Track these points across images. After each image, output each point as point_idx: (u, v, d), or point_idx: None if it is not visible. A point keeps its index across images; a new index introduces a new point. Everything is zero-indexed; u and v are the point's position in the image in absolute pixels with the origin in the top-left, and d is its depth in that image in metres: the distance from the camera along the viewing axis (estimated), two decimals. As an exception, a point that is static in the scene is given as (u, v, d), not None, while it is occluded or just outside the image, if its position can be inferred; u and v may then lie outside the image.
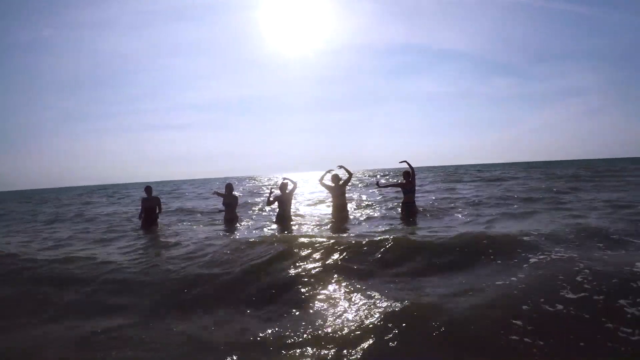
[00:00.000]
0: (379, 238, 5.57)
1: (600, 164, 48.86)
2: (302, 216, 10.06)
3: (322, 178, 8.78)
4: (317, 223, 8.72)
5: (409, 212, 8.83)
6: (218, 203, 10.71)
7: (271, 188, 9.52)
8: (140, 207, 8.89)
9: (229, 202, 8.95)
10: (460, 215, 8.98)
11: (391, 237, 5.57)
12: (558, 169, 35.30)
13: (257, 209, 12.38)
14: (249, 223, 9.34)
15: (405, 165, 8.73)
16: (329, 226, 8.22)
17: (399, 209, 9.33)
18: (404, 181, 8.84)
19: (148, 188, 8.75)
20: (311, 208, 12.31)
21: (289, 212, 8.66)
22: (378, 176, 26.59)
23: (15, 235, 9.91)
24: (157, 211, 8.91)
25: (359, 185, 22.07)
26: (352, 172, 8.69)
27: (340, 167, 8.64)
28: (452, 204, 10.91)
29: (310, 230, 7.77)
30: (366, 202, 12.52)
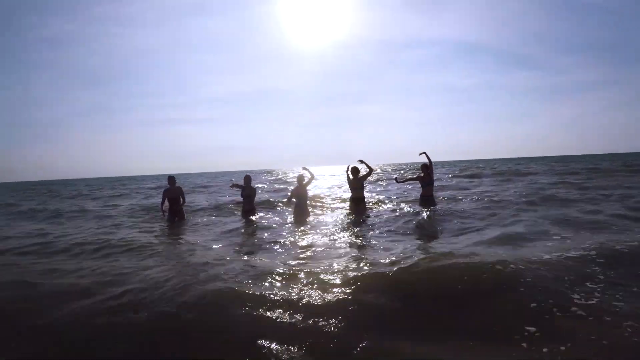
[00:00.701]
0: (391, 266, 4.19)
1: (628, 158, 47.14)
2: (321, 207, 10.03)
3: (347, 170, 8.77)
4: (334, 218, 8.70)
5: (428, 204, 8.86)
6: (236, 195, 10.85)
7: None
8: (162, 197, 9.03)
9: (248, 193, 9.00)
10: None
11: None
12: (591, 162, 34.19)
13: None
14: (268, 215, 9.49)
15: (424, 158, 8.73)
16: (345, 222, 8.06)
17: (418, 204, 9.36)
18: (422, 174, 8.87)
19: (171, 178, 8.88)
20: (330, 200, 12.32)
21: (306, 204, 8.65)
22: (397, 174, 26.25)
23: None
24: (181, 202, 9.05)
25: (380, 182, 21.72)
26: (373, 167, 8.75)
27: (361, 162, 8.61)
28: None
29: (325, 226, 7.69)
30: (384, 198, 12.38)
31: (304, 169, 8.77)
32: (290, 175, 42.77)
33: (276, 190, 18.62)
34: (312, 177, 8.64)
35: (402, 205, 10.04)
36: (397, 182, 9.92)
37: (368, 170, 8.68)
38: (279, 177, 39.32)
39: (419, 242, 5.79)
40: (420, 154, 8.77)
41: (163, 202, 9.00)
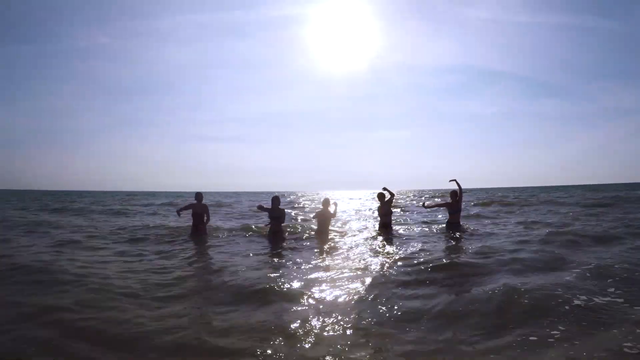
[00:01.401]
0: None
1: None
2: (341, 233, 9.99)
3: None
4: (356, 242, 8.64)
5: (454, 231, 8.90)
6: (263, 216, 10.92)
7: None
8: (185, 206, 9.32)
9: (277, 215, 8.88)
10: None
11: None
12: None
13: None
14: (293, 237, 9.42)
15: (453, 185, 8.77)
16: (368, 247, 7.96)
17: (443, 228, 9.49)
18: (451, 201, 8.91)
19: (199, 194, 9.10)
20: (356, 224, 12.29)
21: (328, 228, 8.99)
22: (423, 198, 25.92)
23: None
24: (205, 219, 9.23)
25: (405, 210, 21.43)
26: (393, 192, 9.19)
27: (384, 189, 9.07)
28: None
29: (345, 250, 7.67)
30: (411, 224, 12.26)
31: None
32: (316, 198, 42.90)
33: (300, 212, 18.73)
34: (336, 207, 9.03)
35: (427, 229, 9.94)
36: (425, 207, 10.02)
37: (390, 195, 9.07)
38: (302, 198, 39.53)
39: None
40: (450, 181, 8.89)
41: (184, 209, 9.26)
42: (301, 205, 25.30)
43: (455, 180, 8.82)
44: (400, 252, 6.95)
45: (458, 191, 8.87)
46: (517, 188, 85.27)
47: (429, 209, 11.24)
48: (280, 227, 9.07)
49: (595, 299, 4.00)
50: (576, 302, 3.87)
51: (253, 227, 10.84)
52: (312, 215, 9.05)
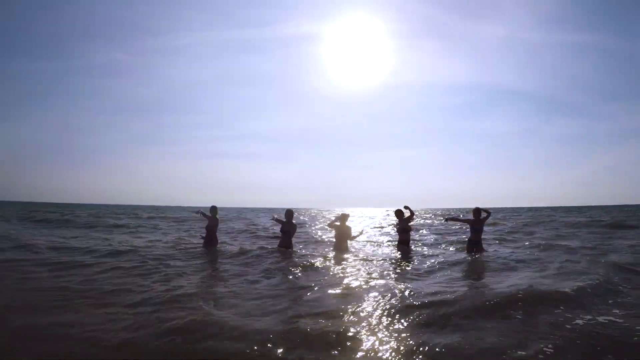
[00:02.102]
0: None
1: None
2: (360, 249, 9.64)
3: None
4: (375, 259, 8.25)
5: (476, 250, 8.55)
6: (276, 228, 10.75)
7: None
8: (206, 214, 9.19)
9: (288, 229, 8.75)
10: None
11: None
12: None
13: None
14: (303, 251, 9.12)
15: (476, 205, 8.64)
16: (385, 265, 7.60)
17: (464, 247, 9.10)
18: (474, 218, 8.43)
19: (214, 208, 9.22)
20: (372, 241, 11.88)
21: (346, 243, 8.75)
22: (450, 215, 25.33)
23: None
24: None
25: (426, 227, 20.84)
26: (413, 211, 9.00)
27: (406, 207, 8.87)
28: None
29: (364, 267, 7.32)
30: (429, 239, 11.76)
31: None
32: (328, 215, 42.45)
33: (317, 229, 18.42)
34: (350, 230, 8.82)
35: (448, 249, 9.51)
36: (446, 220, 9.79)
37: (410, 213, 8.94)
38: (317, 215, 39.23)
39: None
40: (405, 208, 8.92)
41: (203, 214, 9.16)
42: (316, 224, 24.92)
43: (408, 207, 8.87)
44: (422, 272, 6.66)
45: (482, 210, 8.52)
46: (531, 208, 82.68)
47: (449, 222, 10.84)
48: (290, 241, 8.91)
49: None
50: None
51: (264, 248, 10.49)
52: (329, 225, 9.10)
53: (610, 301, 4.55)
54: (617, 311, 4.09)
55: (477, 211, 8.53)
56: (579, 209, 57.53)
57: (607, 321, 3.75)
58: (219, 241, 9.78)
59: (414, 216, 9.18)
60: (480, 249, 8.61)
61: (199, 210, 9.34)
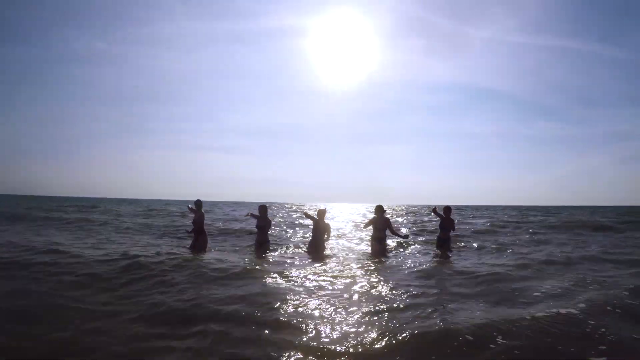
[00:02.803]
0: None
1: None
2: (339, 245, 9.63)
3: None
4: (351, 256, 8.25)
5: (443, 248, 8.81)
6: (252, 224, 10.58)
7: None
8: (191, 211, 9.02)
9: (262, 224, 8.76)
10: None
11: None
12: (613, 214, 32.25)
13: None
14: (282, 248, 9.20)
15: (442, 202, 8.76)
16: (362, 262, 7.62)
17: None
18: (444, 216, 8.69)
19: (198, 202, 8.90)
20: (349, 237, 11.90)
21: (322, 240, 8.38)
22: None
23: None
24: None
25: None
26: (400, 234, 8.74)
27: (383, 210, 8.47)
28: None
29: (338, 264, 7.29)
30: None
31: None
32: (311, 209, 42.49)
33: (293, 224, 18.31)
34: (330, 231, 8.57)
35: (420, 248, 9.60)
36: (432, 211, 9.47)
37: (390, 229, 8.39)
38: (298, 210, 39.13)
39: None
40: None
41: (190, 209, 8.99)
42: (294, 217, 24.83)
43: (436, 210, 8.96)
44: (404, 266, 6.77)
45: (450, 209, 8.84)
46: (507, 206, 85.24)
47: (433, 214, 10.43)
48: (266, 236, 8.97)
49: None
50: None
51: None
52: (305, 214, 8.94)
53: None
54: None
55: (447, 210, 8.66)
56: (547, 209, 59.64)
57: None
58: (208, 242, 9.14)
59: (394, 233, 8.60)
60: (448, 248, 8.86)
61: (190, 206, 9.05)
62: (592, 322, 3.71)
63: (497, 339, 3.29)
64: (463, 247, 10.27)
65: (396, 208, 54.35)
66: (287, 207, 49.80)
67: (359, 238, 11.81)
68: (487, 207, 69.96)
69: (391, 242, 9.95)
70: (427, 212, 31.35)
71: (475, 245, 10.39)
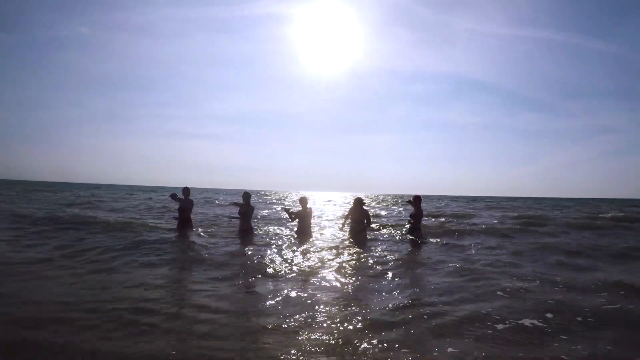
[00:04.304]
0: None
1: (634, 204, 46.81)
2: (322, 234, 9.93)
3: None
4: (332, 241, 8.60)
5: (415, 235, 9.09)
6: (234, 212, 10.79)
7: (284, 208, 9.58)
8: (176, 200, 9.06)
9: (245, 211, 8.87)
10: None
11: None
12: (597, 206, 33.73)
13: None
14: (266, 235, 9.42)
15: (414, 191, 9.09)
16: (344, 245, 7.99)
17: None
18: (414, 205, 9.11)
19: (186, 189, 8.95)
20: (332, 225, 12.22)
21: (309, 226, 8.93)
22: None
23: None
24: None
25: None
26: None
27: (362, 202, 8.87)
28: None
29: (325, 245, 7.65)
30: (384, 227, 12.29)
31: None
32: (294, 197, 42.57)
33: (274, 211, 18.55)
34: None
35: (396, 236, 10.02)
36: (408, 202, 9.78)
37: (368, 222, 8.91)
38: (280, 198, 39.32)
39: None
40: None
41: (175, 197, 9.04)
42: (274, 204, 24.97)
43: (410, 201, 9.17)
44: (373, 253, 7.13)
45: (420, 198, 9.16)
46: (489, 197, 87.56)
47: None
48: (249, 223, 9.09)
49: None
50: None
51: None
52: (293, 216, 8.90)
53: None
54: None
55: (417, 199, 9.13)
56: (523, 200, 61.49)
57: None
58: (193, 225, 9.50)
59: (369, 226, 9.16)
60: (419, 236, 9.13)
61: (173, 193, 9.18)
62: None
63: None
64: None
65: (378, 197, 55.02)
66: (270, 195, 49.65)
67: (336, 228, 12.17)
68: (467, 198, 71.81)
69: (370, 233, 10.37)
70: (402, 202, 32.03)
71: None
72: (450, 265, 6.38)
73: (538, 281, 5.31)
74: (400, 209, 24.19)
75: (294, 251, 7.24)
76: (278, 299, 4.22)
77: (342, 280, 5.17)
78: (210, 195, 43.19)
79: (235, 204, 9.04)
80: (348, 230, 9.08)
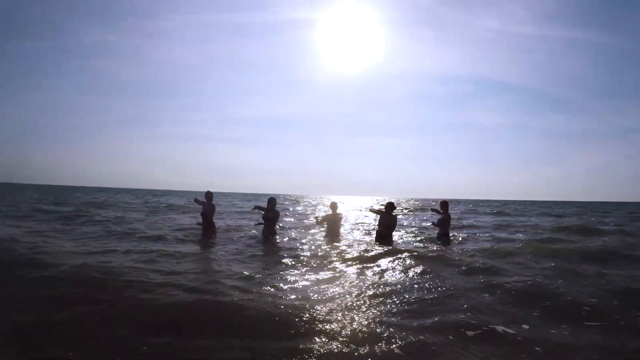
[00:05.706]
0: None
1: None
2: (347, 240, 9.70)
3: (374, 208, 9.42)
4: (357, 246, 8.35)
5: (443, 241, 8.92)
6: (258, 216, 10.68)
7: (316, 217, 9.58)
8: (199, 203, 9.08)
9: (271, 217, 8.77)
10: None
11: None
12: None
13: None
14: (293, 238, 9.26)
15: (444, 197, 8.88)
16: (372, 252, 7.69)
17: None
18: (386, 212, 8.56)
19: (209, 193, 8.92)
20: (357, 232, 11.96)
21: (339, 229, 9.17)
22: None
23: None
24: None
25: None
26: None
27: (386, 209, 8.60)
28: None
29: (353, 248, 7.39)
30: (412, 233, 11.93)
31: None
32: (320, 202, 42.35)
33: (299, 217, 18.44)
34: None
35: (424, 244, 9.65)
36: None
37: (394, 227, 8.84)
38: (305, 203, 39.15)
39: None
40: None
41: (198, 201, 9.08)
42: (300, 210, 24.87)
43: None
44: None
45: (447, 203, 9.08)
46: (516, 201, 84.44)
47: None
48: (273, 228, 8.99)
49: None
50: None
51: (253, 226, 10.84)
52: (315, 219, 9.40)
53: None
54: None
55: (444, 204, 8.85)
56: (549, 205, 58.78)
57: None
58: (216, 230, 9.47)
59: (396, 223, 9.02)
60: (447, 242, 8.88)
61: (196, 198, 9.22)
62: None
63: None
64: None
65: (405, 201, 53.91)
66: (292, 200, 49.46)
67: (366, 230, 12.01)
68: (496, 202, 69.42)
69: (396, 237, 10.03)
70: (432, 209, 31.09)
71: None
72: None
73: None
74: (426, 215, 23.38)
75: (323, 256, 6.95)
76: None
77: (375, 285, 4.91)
78: (230, 200, 42.86)
79: (260, 208, 8.76)
80: (374, 234, 8.93)
